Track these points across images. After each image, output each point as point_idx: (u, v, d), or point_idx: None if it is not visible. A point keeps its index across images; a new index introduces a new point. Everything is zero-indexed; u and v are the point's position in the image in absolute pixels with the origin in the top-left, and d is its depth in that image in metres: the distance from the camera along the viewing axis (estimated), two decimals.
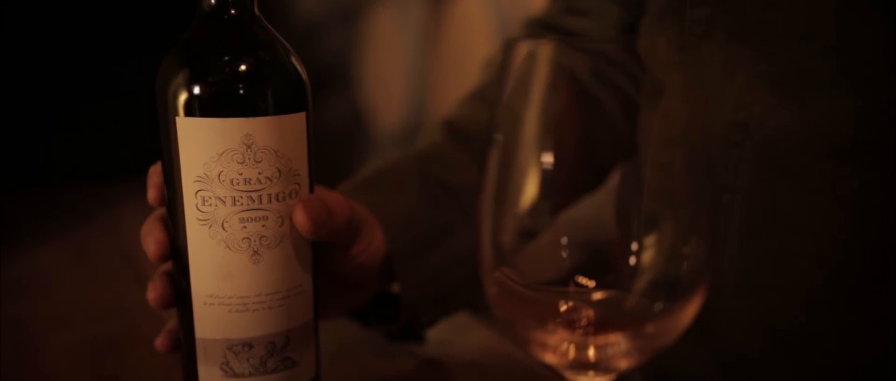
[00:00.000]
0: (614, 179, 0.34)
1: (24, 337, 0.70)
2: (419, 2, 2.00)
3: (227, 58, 0.43)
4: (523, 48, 0.32)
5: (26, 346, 0.68)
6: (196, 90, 0.42)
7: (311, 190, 0.47)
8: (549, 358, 0.35)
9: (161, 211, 0.46)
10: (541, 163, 0.32)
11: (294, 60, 0.45)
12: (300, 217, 0.44)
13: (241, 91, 0.42)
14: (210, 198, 0.43)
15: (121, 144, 1.52)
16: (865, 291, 0.47)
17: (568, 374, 0.35)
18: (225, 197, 0.43)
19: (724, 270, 0.51)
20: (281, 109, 0.43)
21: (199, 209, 0.43)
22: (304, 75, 0.45)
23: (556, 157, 0.32)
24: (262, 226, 0.44)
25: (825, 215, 0.47)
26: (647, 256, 0.34)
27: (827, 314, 0.48)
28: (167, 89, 0.42)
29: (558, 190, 0.33)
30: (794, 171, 0.47)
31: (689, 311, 0.34)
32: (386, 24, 2.12)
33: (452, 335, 0.69)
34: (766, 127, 0.48)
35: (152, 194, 0.46)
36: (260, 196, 0.43)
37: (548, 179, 0.32)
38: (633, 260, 0.34)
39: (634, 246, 0.34)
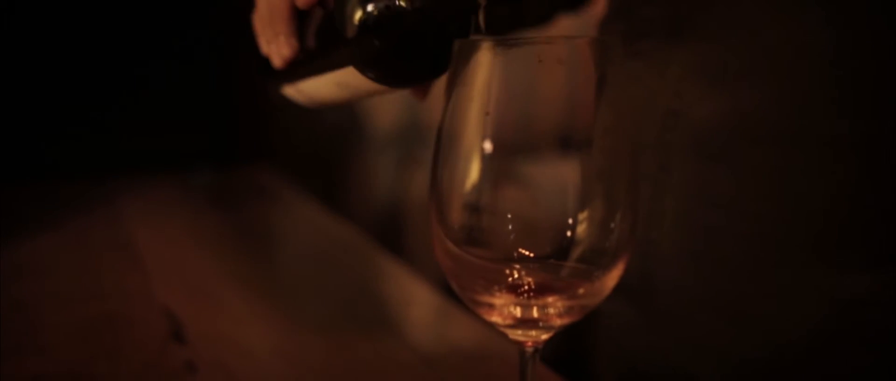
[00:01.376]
0: (553, 161, 0.39)
1: (27, 315, 0.74)
2: None
3: None
4: (468, 47, 0.37)
5: (30, 323, 0.72)
6: None
7: None
8: (497, 318, 0.40)
9: None
10: (483, 149, 0.37)
11: None
12: None
13: None
14: None
15: (121, 142, 1.57)
16: (784, 262, 0.52)
17: (516, 333, 0.40)
18: None
19: (661, 241, 0.56)
20: None
21: None
22: None
23: (495, 144, 0.37)
24: None
25: (748, 194, 0.52)
26: (581, 229, 0.39)
27: (751, 282, 0.53)
28: None
29: (500, 173, 0.38)
30: (720, 154, 0.53)
31: (615, 275, 0.39)
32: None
33: (448, 330, 0.74)
34: (696, 115, 0.54)
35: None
36: None
37: (489, 163, 0.37)
38: (569, 233, 0.39)
39: (570, 221, 0.39)
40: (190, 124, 1.62)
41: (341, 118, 2.36)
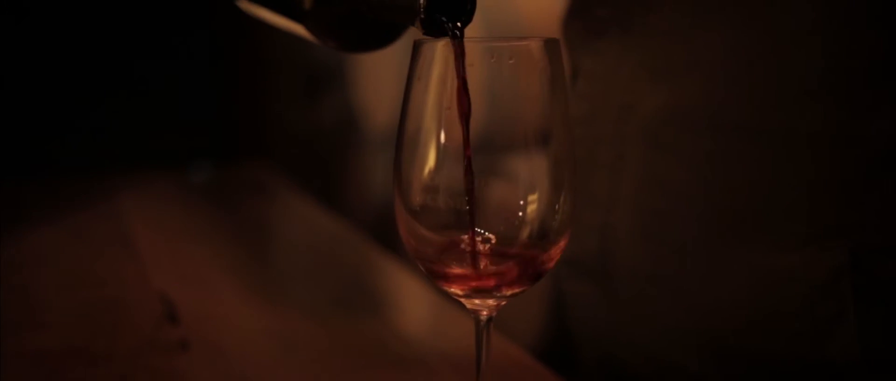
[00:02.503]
0: (505, 149, 0.43)
1: (28, 299, 0.79)
2: None
3: None
4: (426, 46, 0.42)
5: (30, 306, 0.77)
6: None
7: None
8: (455, 289, 0.44)
9: None
10: (439, 138, 0.42)
11: None
12: None
13: None
14: None
15: (121, 140, 1.61)
16: (723, 242, 0.57)
17: (472, 302, 0.44)
18: None
19: (618, 225, 0.61)
20: None
21: None
22: None
23: (447, 134, 0.41)
24: None
25: (691, 180, 0.57)
26: (531, 209, 0.43)
27: (695, 261, 0.58)
28: None
29: (456, 160, 0.42)
30: (668, 144, 0.58)
31: (559, 249, 0.43)
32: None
33: (434, 320, 0.78)
34: (646, 107, 0.59)
35: None
36: None
37: (444, 151, 0.42)
38: (520, 213, 0.43)
39: (520, 202, 0.43)
40: (189, 122, 1.65)
41: (339, 116, 2.41)
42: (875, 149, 0.52)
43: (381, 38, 0.52)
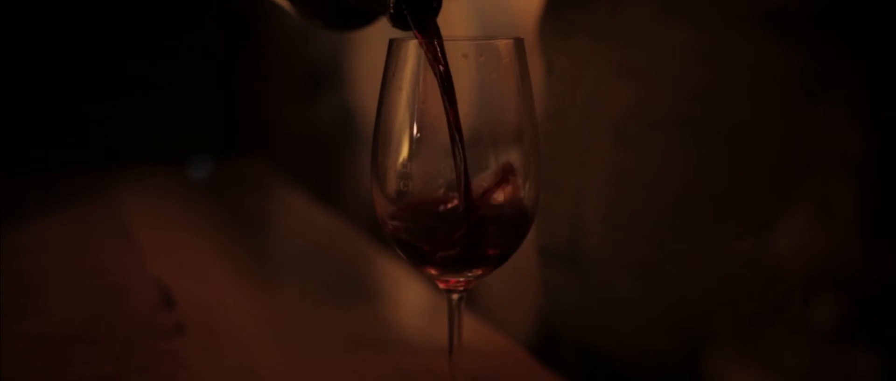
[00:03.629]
0: (475, 141, 0.46)
1: (30, 286, 0.83)
2: None
3: None
4: (399, 46, 0.45)
5: (32, 293, 0.81)
6: None
7: None
8: (430, 270, 0.48)
9: None
10: (412, 131, 0.45)
11: None
12: None
13: None
14: None
15: (121, 136, 1.64)
16: (681, 229, 0.61)
17: (447, 276, 0.48)
18: None
19: (586, 214, 0.65)
20: None
21: None
22: None
23: (419, 126, 0.45)
24: None
25: (652, 172, 0.61)
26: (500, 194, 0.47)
27: (655, 247, 0.62)
28: None
29: (428, 150, 0.46)
30: (630, 138, 0.61)
31: (523, 232, 0.47)
32: (374, 25, 2.24)
33: (424, 311, 0.81)
34: (611, 104, 0.63)
35: None
36: None
37: (417, 143, 0.45)
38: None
39: (493, 190, 0.47)
40: (189, 119, 1.69)
41: (336, 114, 2.44)
42: (811, 142, 0.55)
43: (363, 18, 0.55)
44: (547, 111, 0.70)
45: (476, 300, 1.60)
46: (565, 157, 0.67)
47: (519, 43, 0.46)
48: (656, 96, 0.60)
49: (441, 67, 0.43)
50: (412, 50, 0.44)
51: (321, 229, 1.13)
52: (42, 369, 0.62)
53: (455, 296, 0.48)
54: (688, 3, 0.58)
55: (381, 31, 1.70)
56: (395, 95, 0.45)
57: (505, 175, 0.45)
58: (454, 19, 1.80)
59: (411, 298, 0.84)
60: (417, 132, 0.45)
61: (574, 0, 0.68)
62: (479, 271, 0.47)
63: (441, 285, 0.48)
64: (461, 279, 0.47)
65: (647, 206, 0.62)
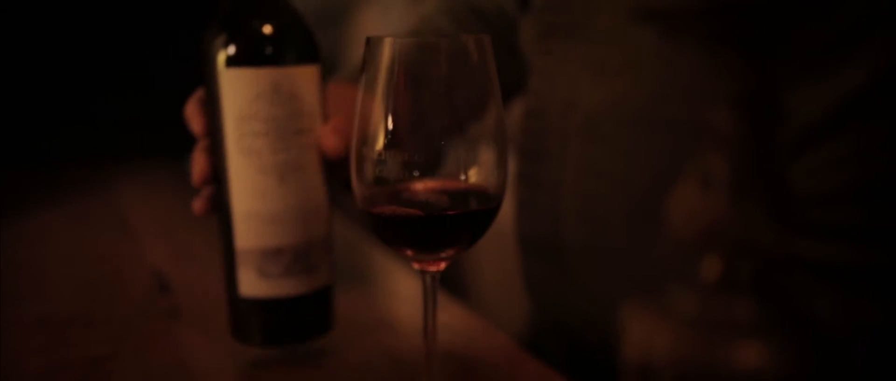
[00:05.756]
0: (448, 131, 0.50)
1: (31, 272, 0.86)
2: (400, 3, 2.15)
3: (257, 22, 0.56)
4: (375, 43, 0.48)
5: (33, 278, 0.84)
6: (236, 48, 0.55)
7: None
8: (408, 252, 0.51)
9: (203, 143, 0.58)
10: (387, 126, 0.48)
11: (308, 24, 0.58)
12: (329, 141, 0.56)
13: (270, 47, 0.56)
14: (248, 133, 0.56)
15: (121, 133, 1.67)
16: (650, 220, 0.64)
17: (422, 263, 0.51)
18: (259, 131, 0.55)
19: (565, 208, 0.68)
20: (300, 61, 0.56)
21: (239, 142, 0.56)
22: (315, 36, 0.58)
23: (395, 120, 0.48)
24: (287, 155, 0.56)
25: (622, 167, 0.64)
26: (472, 179, 0.50)
27: (626, 237, 0.65)
28: (212, 48, 0.55)
29: (403, 139, 0.49)
30: (603, 135, 0.65)
31: (494, 214, 0.50)
32: (370, 24, 2.28)
33: (407, 296, 0.84)
34: (586, 104, 0.66)
35: (197, 127, 0.57)
36: (286, 130, 0.56)
37: (391, 134, 0.48)
38: (462, 176, 0.50)
39: (462, 177, 0.50)
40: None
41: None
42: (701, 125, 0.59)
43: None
44: (527, 110, 0.74)
45: (466, 293, 1.64)
46: (544, 154, 0.71)
47: (486, 39, 0.49)
48: (627, 96, 0.63)
49: None
50: (387, 47, 0.48)
51: None
52: (42, 349, 0.65)
53: (429, 277, 0.52)
54: (651, 11, 0.62)
55: (371, 28, 1.75)
56: (372, 88, 0.48)
57: None
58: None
59: (395, 284, 0.87)
60: (392, 123, 0.48)
61: (551, 4, 0.72)
62: (452, 252, 0.51)
63: (416, 266, 0.52)
64: (436, 260, 0.51)
65: (618, 198, 0.65)
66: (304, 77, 0.57)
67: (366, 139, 0.49)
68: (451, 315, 0.71)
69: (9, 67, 1.57)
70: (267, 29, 0.56)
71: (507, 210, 0.73)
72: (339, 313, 0.64)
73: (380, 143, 0.49)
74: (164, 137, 1.66)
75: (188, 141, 0.62)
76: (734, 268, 0.23)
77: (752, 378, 0.22)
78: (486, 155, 0.50)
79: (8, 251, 0.94)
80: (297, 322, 0.61)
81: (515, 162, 0.76)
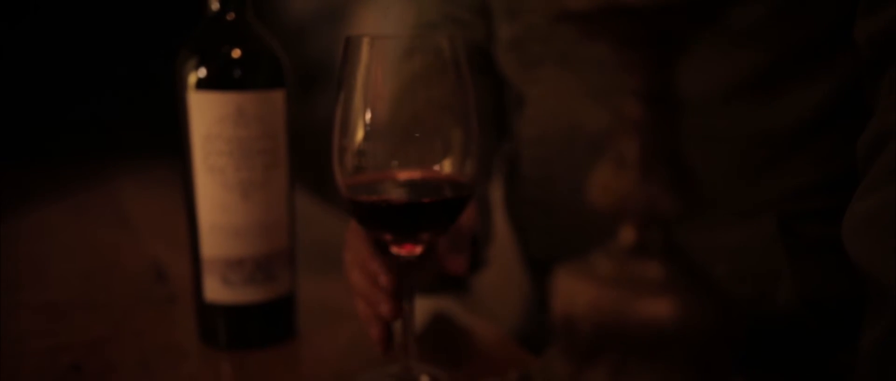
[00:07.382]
0: (423, 122, 0.53)
1: (36, 261, 0.90)
2: (399, 3, 2.19)
3: (226, 48, 0.60)
4: (353, 42, 0.52)
5: (38, 267, 0.88)
6: (205, 71, 0.59)
7: (287, 148, 0.63)
8: (386, 236, 0.54)
9: (386, 307, 0.57)
10: (365, 119, 0.52)
11: (276, 51, 0.61)
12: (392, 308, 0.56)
13: (237, 72, 0.59)
14: (213, 152, 0.60)
15: (121, 131, 1.70)
16: (681, 227, 0.67)
17: (399, 249, 0.55)
18: (223, 150, 0.59)
19: (577, 228, 0.71)
20: (266, 86, 0.60)
21: (205, 160, 0.60)
22: (285, 62, 0.62)
23: (372, 114, 0.52)
24: (250, 173, 0.60)
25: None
26: (446, 168, 0.54)
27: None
28: (184, 70, 0.59)
29: (377, 131, 0.53)
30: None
31: (468, 201, 0.54)
32: (369, 23, 2.31)
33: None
34: (588, 127, 0.68)
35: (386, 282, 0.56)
36: (250, 150, 0.60)
37: (369, 128, 0.52)
38: (437, 167, 0.53)
39: (437, 168, 0.54)
40: None
41: (331, 111, 2.50)
42: (781, 139, 0.62)
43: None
44: (528, 138, 0.75)
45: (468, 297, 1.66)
46: (554, 178, 0.72)
47: (457, 38, 0.53)
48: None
49: None
50: (365, 46, 0.51)
51: (309, 215, 1.18)
52: (45, 332, 0.68)
53: (403, 262, 0.55)
54: (567, 12, 0.64)
55: (370, 28, 1.78)
56: (351, 84, 0.52)
57: None
58: None
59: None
60: (370, 117, 0.52)
61: (535, 35, 0.72)
62: (427, 236, 0.54)
63: (395, 250, 0.55)
64: (414, 243, 0.54)
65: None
66: (270, 101, 0.60)
67: (346, 131, 0.53)
68: (447, 309, 0.74)
69: (11, 67, 1.60)
70: (235, 54, 0.60)
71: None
72: (332, 304, 0.67)
73: (359, 135, 0.52)
74: (162, 135, 1.70)
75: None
76: (642, 234, 0.27)
77: (659, 328, 0.25)
78: (459, 148, 0.53)
79: (11, 244, 0.97)
80: (258, 328, 0.64)
81: (524, 189, 0.78)
